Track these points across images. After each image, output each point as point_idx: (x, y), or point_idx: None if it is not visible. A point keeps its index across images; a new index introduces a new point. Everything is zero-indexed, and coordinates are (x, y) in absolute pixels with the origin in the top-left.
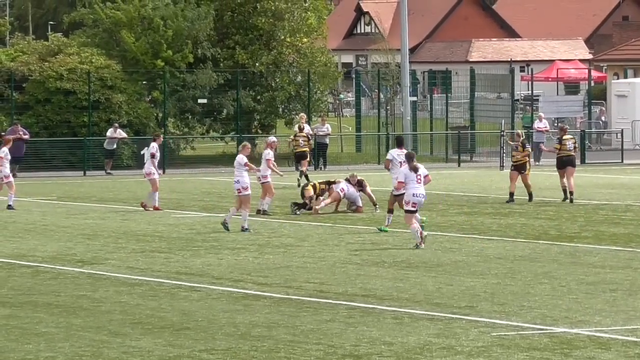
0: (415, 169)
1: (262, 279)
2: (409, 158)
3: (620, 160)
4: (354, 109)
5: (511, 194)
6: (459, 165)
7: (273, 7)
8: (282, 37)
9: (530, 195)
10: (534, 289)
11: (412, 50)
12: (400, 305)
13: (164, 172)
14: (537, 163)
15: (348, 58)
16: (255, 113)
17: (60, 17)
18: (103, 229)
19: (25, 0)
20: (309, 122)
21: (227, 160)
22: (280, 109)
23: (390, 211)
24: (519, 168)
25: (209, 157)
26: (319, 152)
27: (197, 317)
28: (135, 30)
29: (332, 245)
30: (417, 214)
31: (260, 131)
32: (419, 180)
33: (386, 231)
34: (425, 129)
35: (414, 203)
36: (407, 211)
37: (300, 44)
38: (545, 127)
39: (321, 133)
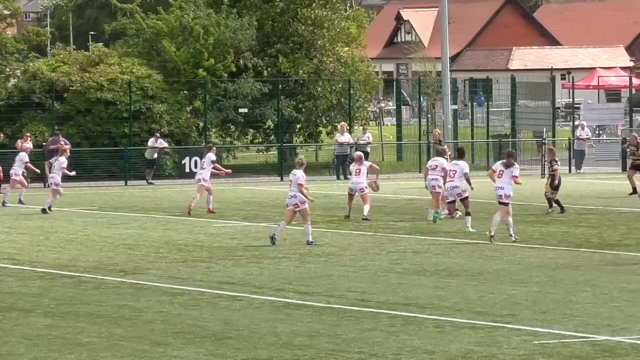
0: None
1: (304, 288)
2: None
3: None
4: (394, 118)
5: (634, 189)
6: None
7: (313, 15)
8: (323, 45)
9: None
10: (576, 297)
11: (453, 59)
12: (442, 313)
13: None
14: (578, 171)
15: (388, 67)
16: (297, 122)
17: (101, 27)
18: (144, 239)
19: (66, 10)
20: (350, 130)
21: (268, 169)
22: (322, 118)
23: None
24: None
25: (250, 166)
26: None
27: (239, 326)
28: (176, 39)
29: (373, 254)
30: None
31: (308, 139)
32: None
33: (471, 231)
34: (466, 137)
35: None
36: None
37: (340, 53)
38: (587, 135)
39: (362, 142)
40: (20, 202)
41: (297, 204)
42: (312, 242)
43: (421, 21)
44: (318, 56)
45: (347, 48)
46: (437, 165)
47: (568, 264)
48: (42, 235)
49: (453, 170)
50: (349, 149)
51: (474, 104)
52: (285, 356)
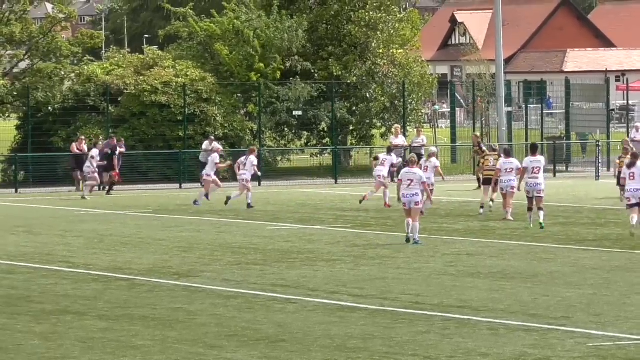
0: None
1: (358, 290)
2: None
3: None
4: (449, 121)
5: None
6: (554, 176)
7: (367, 17)
8: (376, 47)
9: None
10: (631, 299)
11: (507, 61)
12: (496, 316)
13: (259, 184)
14: None
15: (443, 69)
16: (350, 125)
17: (155, 30)
18: (199, 242)
19: (121, 13)
20: (404, 133)
21: (323, 172)
22: (376, 120)
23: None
24: None
25: (305, 169)
26: None
27: (293, 329)
28: (230, 42)
29: (427, 256)
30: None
31: (361, 142)
32: (632, 177)
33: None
34: (520, 139)
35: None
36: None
37: (395, 54)
38: None
39: (417, 144)
40: (201, 200)
41: (418, 202)
42: (418, 240)
43: (475, 23)
44: (371, 58)
45: (402, 50)
46: (512, 168)
47: (623, 266)
48: (97, 238)
49: (537, 167)
50: (403, 152)
51: (543, 104)
52: (339, 359)
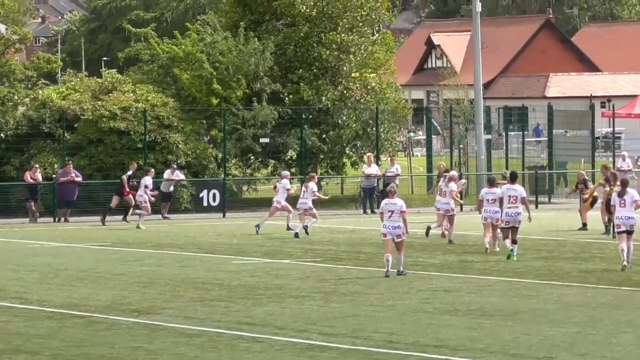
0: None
1: (328, 328)
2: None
3: None
4: (424, 149)
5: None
6: (536, 207)
7: (339, 39)
8: (349, 71)
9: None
10: (617, 338)
11: (486, 86)
12: (475, 356)
13: (223, 216)
14: None
15: (418, 94)
16: (321, 153)
17: (114, 52)
18: (159, 277)
19: (78, 35)
20: (377, 162)
21: (291, 202)
22: (347, 148)
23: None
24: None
25: (272, 200)
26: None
27: None
28: (191, 65)
29: (402, 292)
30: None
31: (330, 171)
32: (622, 204)
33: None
34: (500, 168)
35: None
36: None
37: (368, 79)
38: (629, 166)
39: (390, 174)
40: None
41: (400, 234)
42: (403, 271)
43: (453, 46)
44: (343, 82)
45: (375, 74)
46: (495, 199)
47: (608, 302)
48: (52, 273)
49: (514, 197)
50: (376, 181)
51: (524, 132)
52: None
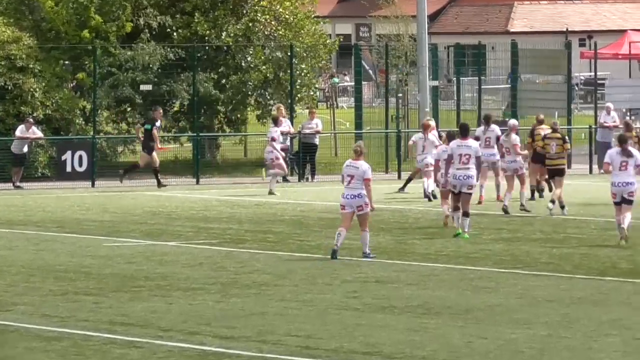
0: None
1: (227, 330)
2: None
3: None
4: (352, 99)
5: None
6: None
7: None
8: None
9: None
10: (598, 343)
11: (433, 17)
12: None
13: (92, 185)
14: (602, 171)
15: (345, 28)
16: (218, 103)
17: None
18: (10, 263)
19: None
20: (291, 115)
21: (180, 168)
22: (253, 98)
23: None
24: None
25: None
26: (305, 157)
27: None
28: None
29: (322, 284)
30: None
31: (226, 128)
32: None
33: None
34: (450, 124)
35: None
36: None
37: (281, 9)
38: (615, 121)
39: (308, 130)
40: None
41: (361, 205)
42: (369, 253)
43: None
44: (249, 14)
45: (290, 3)
46: (469, 154)
47: (587, 297)
48: None
49: (466, 155)
50: (289, 141)
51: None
52: None
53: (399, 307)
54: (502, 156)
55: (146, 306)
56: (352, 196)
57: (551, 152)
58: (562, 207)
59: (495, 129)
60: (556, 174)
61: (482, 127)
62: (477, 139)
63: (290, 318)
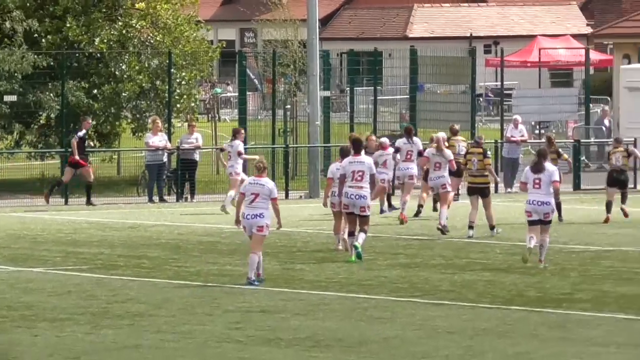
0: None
1: None
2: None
3: (632, 186)
4: (236, 110)
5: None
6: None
7: None
8: (131, 2)
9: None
10: None
11: (325, 21)
12: None
13: None
14: (509, 189)
15: (229, 33)
16: (90, 115)
17: None
18: None
19: None
20: (169, 128)
21: (47, 186)
22: (128, 110)
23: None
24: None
25: (18, 182)
26: (184, 175)
27: None
28: None
29: (202, 314)
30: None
31: (97, 142)
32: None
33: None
34: (342, 139)
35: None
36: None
37: (159, 12)
38: (523, 135)
39: (187, 145)
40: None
41: (262, 226)
42: (254, 280)
43: None
44: (124, 18)
45: (168, 5)
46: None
47: (492, 328)
48: None
49: (359, 172)
50: (165, 157)
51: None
52: None
53: (286, 339)
54: (427, 172)
55: (9, 338)
56: (252, 216)
57: (472, 168)
58: (492, 227)
59: (418, 142)
60: (479, 193)
61: (403, 139)
62: (397, 150)
63: (167, 352)
